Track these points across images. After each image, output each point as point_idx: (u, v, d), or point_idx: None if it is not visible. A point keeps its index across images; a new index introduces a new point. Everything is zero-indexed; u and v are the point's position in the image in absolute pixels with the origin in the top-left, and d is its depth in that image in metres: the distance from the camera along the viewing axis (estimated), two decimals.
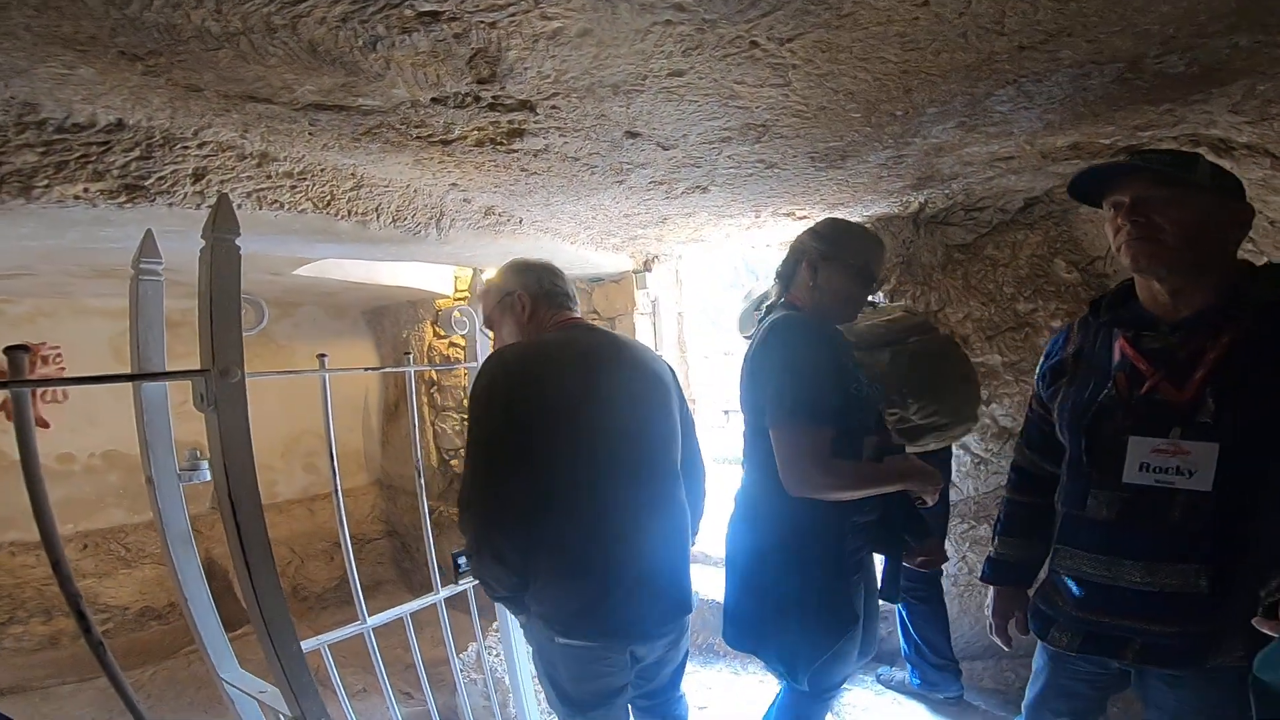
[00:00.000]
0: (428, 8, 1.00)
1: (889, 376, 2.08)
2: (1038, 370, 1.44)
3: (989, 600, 1.56)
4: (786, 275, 1.73)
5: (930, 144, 1.77)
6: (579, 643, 1.52)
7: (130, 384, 1.34)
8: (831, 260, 1.64)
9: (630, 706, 1.72)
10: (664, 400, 1.64)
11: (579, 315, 1.70)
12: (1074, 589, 1.26)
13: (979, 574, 1.75)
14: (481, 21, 1.04)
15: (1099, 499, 1.21)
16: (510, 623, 2.21)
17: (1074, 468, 1.28)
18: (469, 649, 2.62)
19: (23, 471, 0.90)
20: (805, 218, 2.69)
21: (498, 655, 2.38)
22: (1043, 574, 1.45)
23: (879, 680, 2.75)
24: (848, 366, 1.58)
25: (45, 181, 1.32)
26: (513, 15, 1.02)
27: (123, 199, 1.41)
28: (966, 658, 2.77)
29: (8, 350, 0.90)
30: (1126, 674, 1.28)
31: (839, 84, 1.32)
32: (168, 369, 1.39)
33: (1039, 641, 1.42)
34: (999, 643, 1.54)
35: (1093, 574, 1.22)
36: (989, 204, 2.57)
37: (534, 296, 1.64)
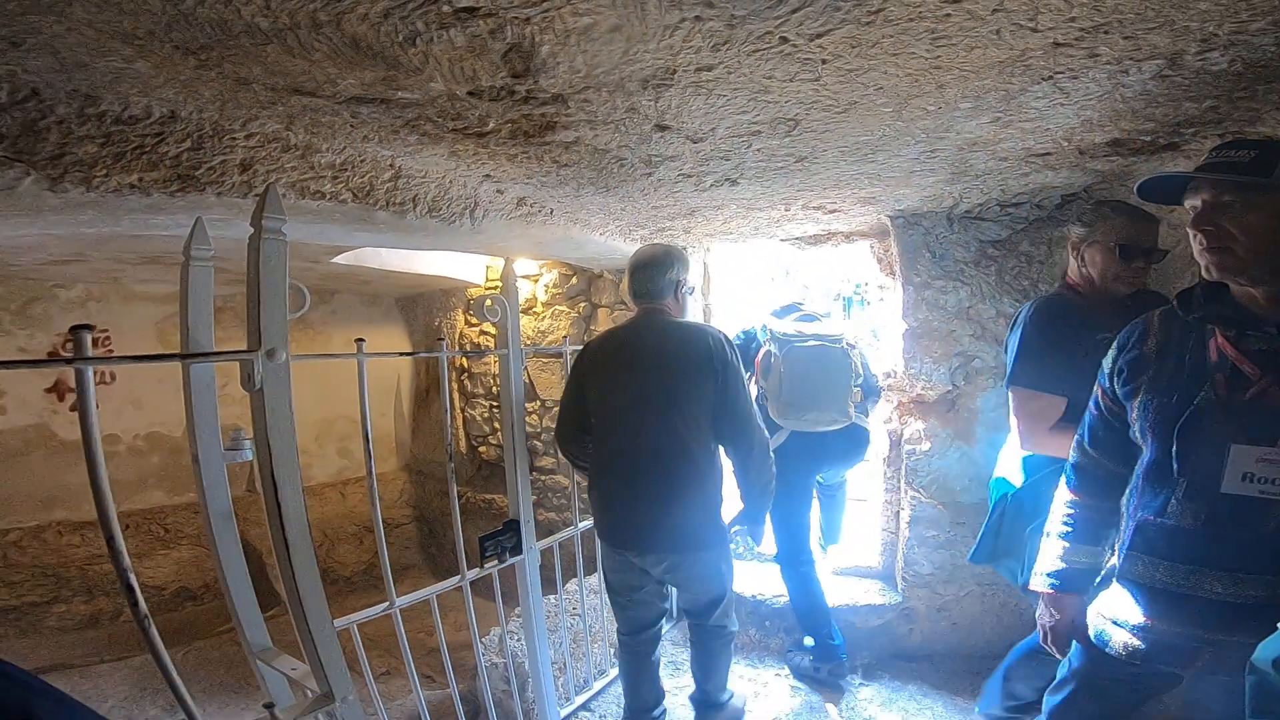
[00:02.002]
0: (465, 4, 1.02)
1: (781, 365, 2.69)
2: (1108, 365, 1.34)
3: (1047, 609, 1.47)
4: (1064, 261, 1.94)
5: (964, 139, 1.75)
6: (602, 543, 2.24)
7: (178, 366, 1.40)
8: (1090, 242, 1.84)
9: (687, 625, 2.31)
10: (682, 379, 2.03)
11: (650, 305, 2.17)
12: (1146, 598, 1.20)
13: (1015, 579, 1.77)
14: (516, 17, 1.06)
15: (1185, 507, 1.14)
16: (532, 607, 2.26)
17: (1156, 472, 1.20)
18: (491, 633, 2.68)
19: (83, 444, 0.96)
20: (835, 211, 2.68)
21: (519, 640, 2.43)
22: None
23: (791, 668, 2.85)
24: (1095, 343, 1.67)
25: (104, 171, 1.38)
26: (545, 11, 1.04)
27: (174, 188, 1.47)
28: (986, 658, 2.76)
29: (74, 329, 0.96)
30: (1176, 677, 1.23)
31: (869, 79, 1.32)
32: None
33: (1075, 645, 1.38)
34: (1053, 651, 1.48)
35: (1168, 583, 1.16)
36: (1025, 200, 2.53)
37: (629, 295, 2.23)
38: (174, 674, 1.15)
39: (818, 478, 2.93)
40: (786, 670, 2.85)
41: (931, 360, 2.82)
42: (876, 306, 3.80)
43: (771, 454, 2.13)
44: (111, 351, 4.18)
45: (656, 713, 2.35)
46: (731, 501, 2.18)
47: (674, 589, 2.34)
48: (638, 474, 2.05)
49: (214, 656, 4.01)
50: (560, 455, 2.29)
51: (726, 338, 2.11)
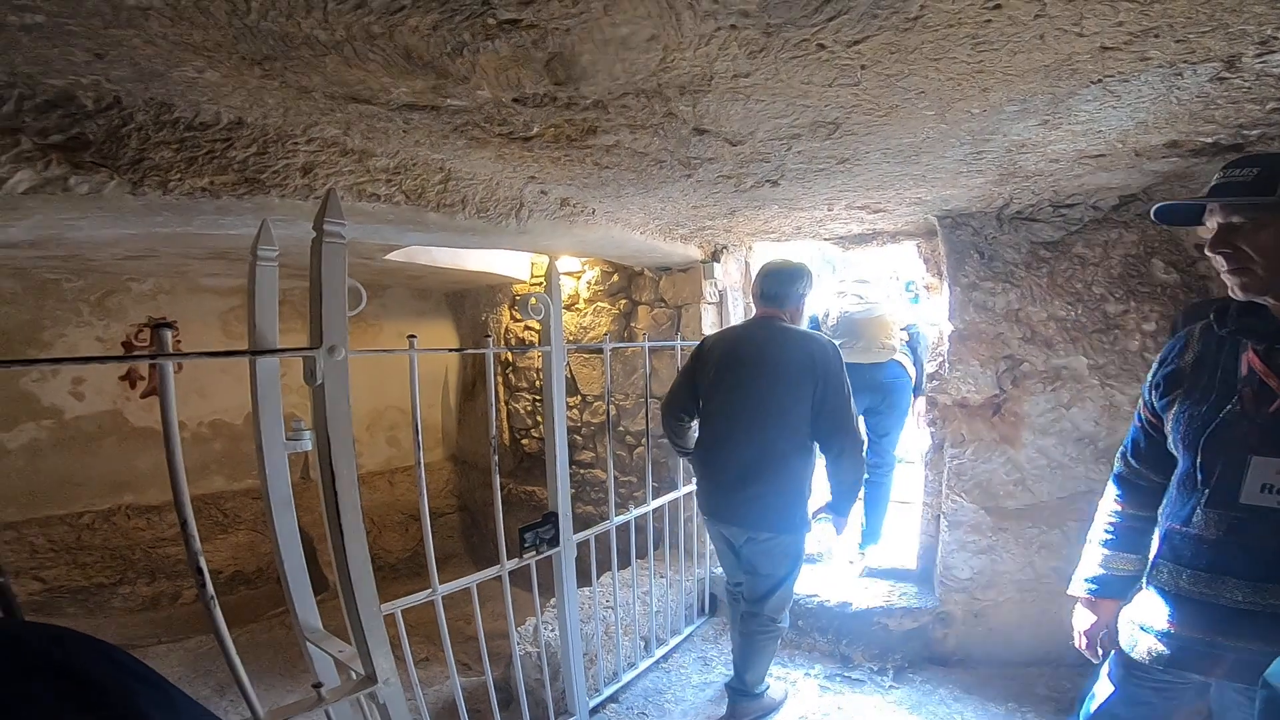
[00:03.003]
0: (508, 16, 1.06)
1: (837, 314, 3.47)
2: (1149, 378, 1.38)
3: (1083, 613, 1.51)
4: None
5: (1011, 141, 1.72)
6: (702, 513, 2.54)
7: (244, 359, 1.49)
8: None
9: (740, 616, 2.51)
10: (788, 380, 2.27)
11: (770, 311, 2.43)
12: (1171, 604, 1.23)
13: (1050, 581, 1.74)
14: (557, 28, 1.10)
15: (1208, 516, 1.17)
16: (567, 599, 2.31)
17: (1185, 483, 1.23)
18: (527, 623, 2.75)
19: (163, 435, 1.04)
20: (880, 211, 2.66)
21: (553, 630, 2.49)
22: None
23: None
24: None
25: (179, 175, 1.47)
26: (584, 22, 1.07)
27: (241, 191, 1.56)
28: (1021, 664, 2.71)
29: (155, 326, 1.04)
30: (1205, 685, 1.25)
31: (910, 83, 1.31)
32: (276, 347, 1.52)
33: (1112, 652, 1.40)
34: (1089, 656, 1.51)
35: (1191, 590, 1.19)
36: (1079, 201, 2.46)
37: (751, 295, 2.63)
38: (234, 656, 1.23)
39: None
40: (817, 670, 2.85)
41: (978, 363, 2.76)
42: (924, 304, 3.82)
43: (863, 456, 2.34)
44: (180, 342, 4.39)
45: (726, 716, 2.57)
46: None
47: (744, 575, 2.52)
48: (734, 458, 2.33)
49: (263, 640, 4.15)
50: (662, 427, 2.64)
51: (834, 347, 2.32)
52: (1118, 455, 1.50)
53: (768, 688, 2.54)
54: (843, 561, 3.48)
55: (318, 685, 1.46)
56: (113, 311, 4.36)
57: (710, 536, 2.62)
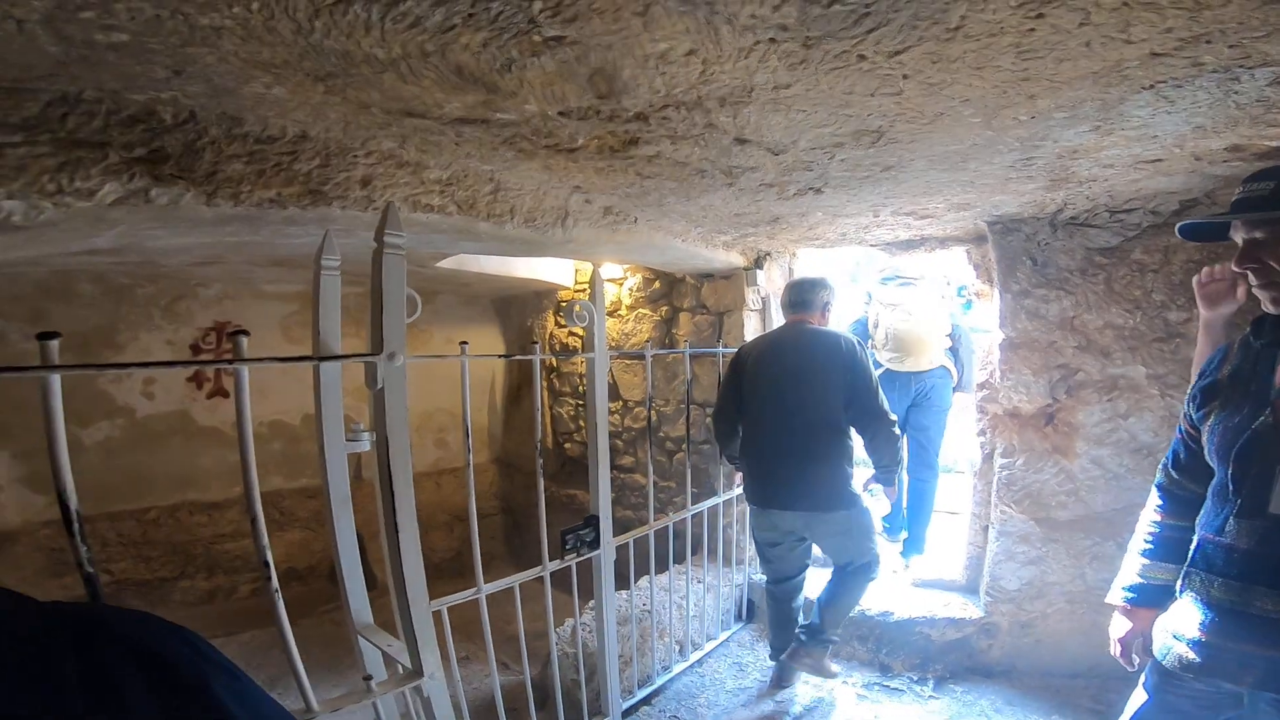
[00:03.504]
0: (553, 33, 1.10)
1: (885, 329, 3.62)
2: (1189, 390, 1.38)
3: (1120, 621, 1.51)
4: None
5: (1062, 147, 1.69)
6: (751, 505, 2.71)
7: (307, 364, 1.55)
8: None
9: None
10: (818, 373, 2.51)
11: (798, 317, 2.68)
12: (1203, 612, 1.23)
13: (1102, 592, 1.70)
14: (598, 44, 1.13)
15: (1239, 526, 1.17)
16: (605, 601, 2.34)
17: (1219, 493, 1.24)
18: (565, 624, 2.79)
19: (238, 435, 1.11)
20: (928, 217, 2.62)
21: (591, 632, 2.53)
22: None
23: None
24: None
25: (249, 187, 1.56)
26: (625, 38, 1.11)
27: (306, 202, 1.64)
28: (1067, 676, 2.64)
29: (232, 334, 1.11)
30: (1239, 695, 1.24)
31: (954, 91, 1.31)
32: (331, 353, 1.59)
33: (1149, 661, 1.39)
34: (1124, 664, 1.51)
35: (1222, 599, 1.20)
36: (1138, 206, 2.38)
37: (780, 306, 2.83)
38: (294, 649, 1.29)
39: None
40: (855, 678, 2.82)
41: (1030, 372, 2.70)
42: (976, 310, 3.76)
43: (896, 431, 2.53)
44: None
45: (785, 656, 2.75)
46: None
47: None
48: (780, 448, 2.54)
49: (313, 635, 4.22)
50: (711, 434, 2.86)
51: (859, 342, 2.55)
52: (1160, 466, 1.50)
53: (837, 641, 2.68)
54: (886, 570, 3.43)
55: (368, 678, 1.52)
56: (181, 316, 4.57)
57: (759, 529, 2.72)
